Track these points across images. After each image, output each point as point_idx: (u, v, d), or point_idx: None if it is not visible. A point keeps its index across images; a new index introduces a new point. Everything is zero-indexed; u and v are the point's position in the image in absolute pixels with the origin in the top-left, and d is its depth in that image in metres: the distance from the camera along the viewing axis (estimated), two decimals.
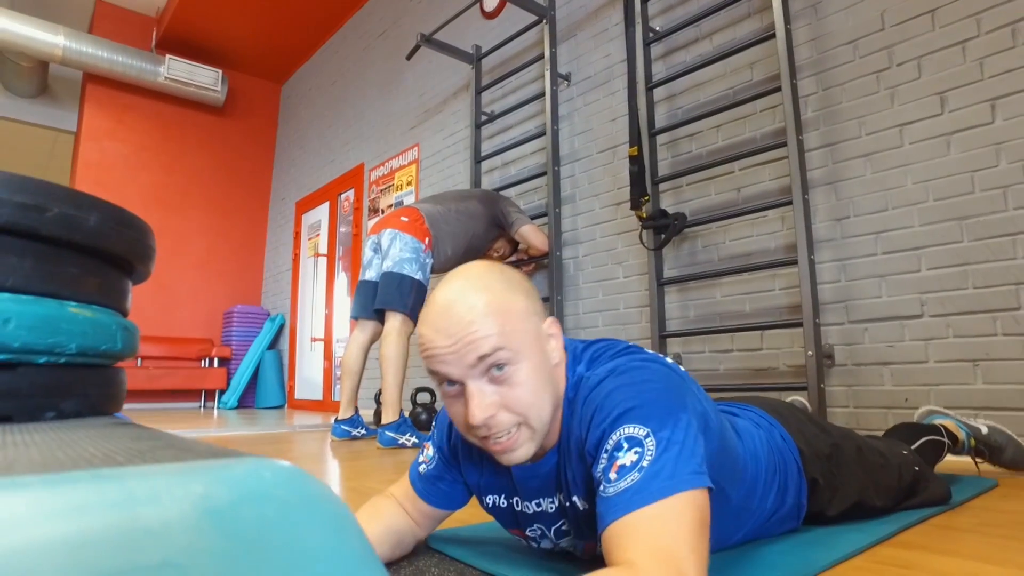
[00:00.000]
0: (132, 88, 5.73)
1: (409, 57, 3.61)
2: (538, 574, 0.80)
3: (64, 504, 0.27)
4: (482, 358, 0.64)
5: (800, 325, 1.98)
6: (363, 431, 2.81)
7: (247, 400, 5.90)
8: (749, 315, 2.25)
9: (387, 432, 2.48)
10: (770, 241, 2.23)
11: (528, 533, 0.82)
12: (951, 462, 1.47)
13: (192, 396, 5.84)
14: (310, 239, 5.77)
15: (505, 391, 0.66)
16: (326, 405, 5.11)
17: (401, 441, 2.48)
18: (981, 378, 1.71)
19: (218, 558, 0.28)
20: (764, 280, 2.22)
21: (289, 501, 0.32)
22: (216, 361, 5.77)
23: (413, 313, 2.55)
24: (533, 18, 3.12)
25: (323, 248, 5.52)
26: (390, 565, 0.85)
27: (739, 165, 2.33)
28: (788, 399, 2.01)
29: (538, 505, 0.78)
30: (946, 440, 1.32)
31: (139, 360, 5.39)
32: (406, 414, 2.65)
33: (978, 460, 1.47)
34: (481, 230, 2.87)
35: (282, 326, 5.98)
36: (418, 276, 2.58)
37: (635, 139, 2.42)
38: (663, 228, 2.41)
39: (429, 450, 0.89)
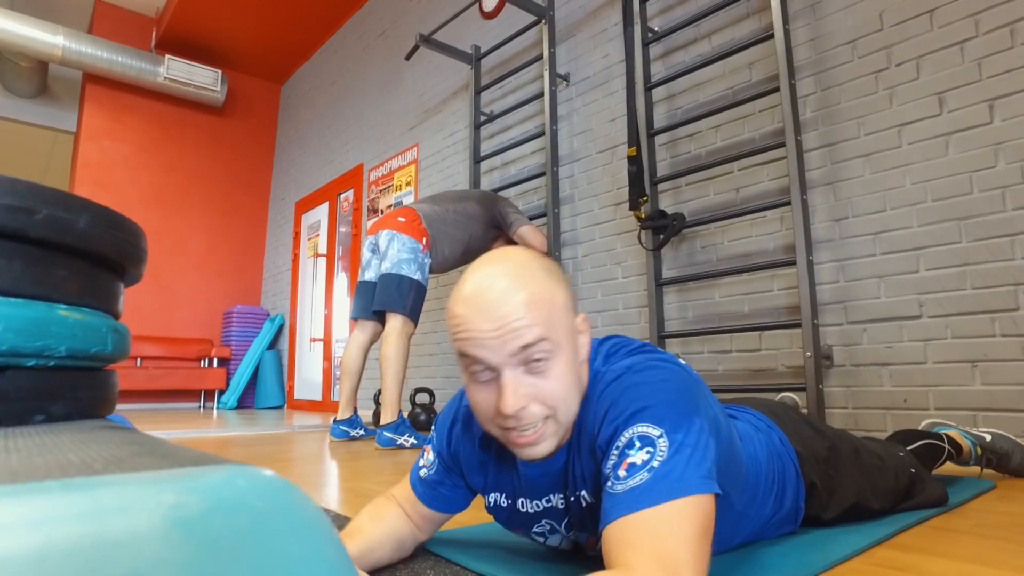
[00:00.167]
0: (132, 88, 5.73)
1: (408, 57, 3.61)
2: None
3: (29, 515, 0.26)
4: (525, 347, 0.62)
5: (799, 326, 1.98)
6: (362, 432, 2.81)
7: (247, 400, 5.91)
8: (748, 316, 2.24)
9: (385, 433, 2.48)
10: (769, 242, 2.22)
11: (535, 530, 0.81)
12: (949, 464, 1.46)
13: (192, 396, 5.85)
14: (310, 239, 5.77)
15: (540, 383, 0.64)
16: (325, 405, 5.11)
17: (399, 442, 2.48)
18: (980, 379, 1.71)
19: (187, 569, 0.28)
20: (763, 281, 2.22)
21: (263, 510, 0.32)
22: (216, 361, 5.77)
23: (413, 314, 2.55)
24: (532, 18, 3.11)
25: (323, 248, 5.52)
26: (388, 568, 0.84)
27: (738, 165, 2.32)
28: (778, 397, 2.01)
29: (547, 501, 0.77)
30: (946, 447, 1.31)
31: (139, 360, 5.39)
32: (405, 415, 2.64)
33: (986, 470, 1.46)
34: (479, 231, 2.86)
35: (281, 326, 5.98)
36: (417, 276, 2.58)
37: (634, 139, 2.41)
38: (662, 228, 2.41)
39: (429, 454, 0.88)
